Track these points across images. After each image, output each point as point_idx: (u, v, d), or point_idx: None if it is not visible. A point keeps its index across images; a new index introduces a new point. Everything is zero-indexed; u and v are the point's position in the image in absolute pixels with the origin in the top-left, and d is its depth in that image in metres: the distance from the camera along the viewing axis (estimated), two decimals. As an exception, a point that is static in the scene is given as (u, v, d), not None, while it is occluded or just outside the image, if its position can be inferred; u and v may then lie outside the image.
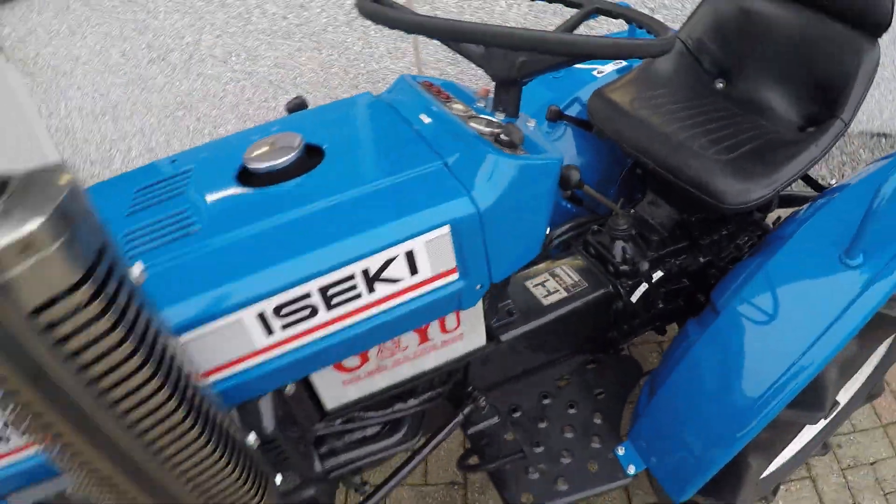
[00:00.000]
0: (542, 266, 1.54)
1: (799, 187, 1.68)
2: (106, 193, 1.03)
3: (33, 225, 0.48)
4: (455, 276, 0.95)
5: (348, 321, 0.89)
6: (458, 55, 1.15)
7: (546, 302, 1.42)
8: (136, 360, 0.60)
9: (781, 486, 1.74)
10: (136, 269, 0.63)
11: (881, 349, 1.52)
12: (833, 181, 1.57)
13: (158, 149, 3.14)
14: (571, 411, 1.43)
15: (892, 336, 1.46)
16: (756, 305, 1.19)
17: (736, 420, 1.14)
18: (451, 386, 1.24)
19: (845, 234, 1.14)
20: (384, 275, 0.88)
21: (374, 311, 0.91)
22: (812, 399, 1.16)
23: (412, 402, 1.20)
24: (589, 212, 1.66)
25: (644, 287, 1.46)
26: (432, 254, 0.91)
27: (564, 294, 1.44)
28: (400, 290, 0.91)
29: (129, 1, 2.69)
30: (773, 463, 1.50)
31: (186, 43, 2.77)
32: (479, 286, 0.98)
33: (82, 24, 2.78)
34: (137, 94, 2.94)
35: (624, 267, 1.46)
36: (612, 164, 1.74)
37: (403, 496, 1.91)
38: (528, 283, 1.48)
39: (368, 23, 2.58)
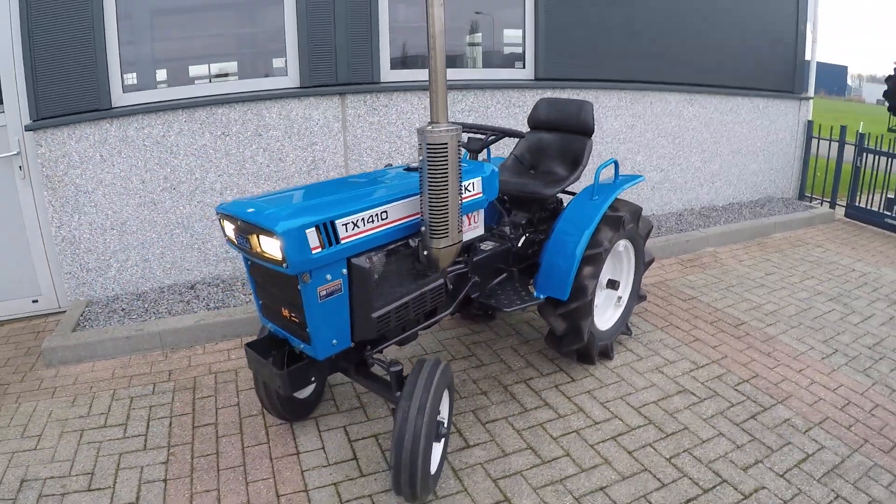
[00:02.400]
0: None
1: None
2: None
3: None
4: (481, 194, 2.65)
5: (468, 199, 2.54)
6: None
7: (485, 249, 3.14)
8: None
9: (615, 354, 3.44)
10: None
11: (631, 258, 3.47)
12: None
13: (153, 260, 4.06)
14: (508, 287, 3.10)
15: (634, 251, 3.43)
16: (564, 223, 3.06)
17: (570, 258, 2.91)
18: (467, 264, 2.83)
19: (590, 193, 3.13)
20: (468, 189, 2.56)
21: (468, 199, 2.55)
22: (596, 245, 2.99)
23: (465, 257, 2.78)
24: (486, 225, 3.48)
25: (522, 240, 3.26)
26: (476, 185, 2.61)
27: (491, 246, 3.17)
28: (471, 194, 2.57)
29: (158, 143, 3.89)
30: (602, 324, 3.29)
31: (195, 178, 4.04)
32: (486, 200, 2.69)
33: (114, 154, 3.81)
34: (146, 214, 3.98)
35: (512, 236, 3.26)
36: (493, 207, 3.61)
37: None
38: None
39: (321, 171, 4.29)
